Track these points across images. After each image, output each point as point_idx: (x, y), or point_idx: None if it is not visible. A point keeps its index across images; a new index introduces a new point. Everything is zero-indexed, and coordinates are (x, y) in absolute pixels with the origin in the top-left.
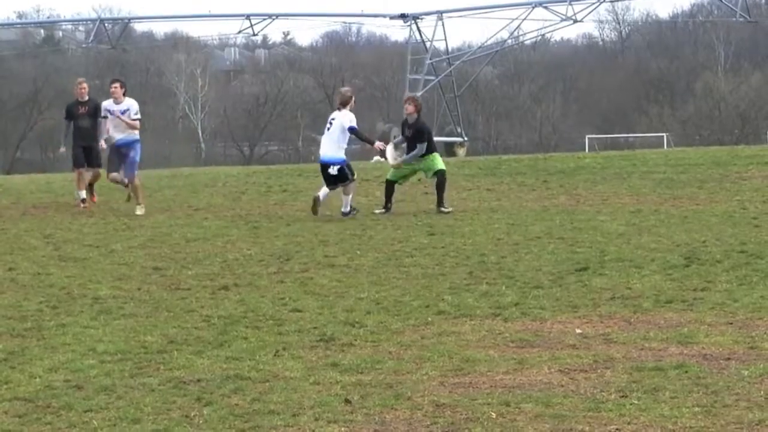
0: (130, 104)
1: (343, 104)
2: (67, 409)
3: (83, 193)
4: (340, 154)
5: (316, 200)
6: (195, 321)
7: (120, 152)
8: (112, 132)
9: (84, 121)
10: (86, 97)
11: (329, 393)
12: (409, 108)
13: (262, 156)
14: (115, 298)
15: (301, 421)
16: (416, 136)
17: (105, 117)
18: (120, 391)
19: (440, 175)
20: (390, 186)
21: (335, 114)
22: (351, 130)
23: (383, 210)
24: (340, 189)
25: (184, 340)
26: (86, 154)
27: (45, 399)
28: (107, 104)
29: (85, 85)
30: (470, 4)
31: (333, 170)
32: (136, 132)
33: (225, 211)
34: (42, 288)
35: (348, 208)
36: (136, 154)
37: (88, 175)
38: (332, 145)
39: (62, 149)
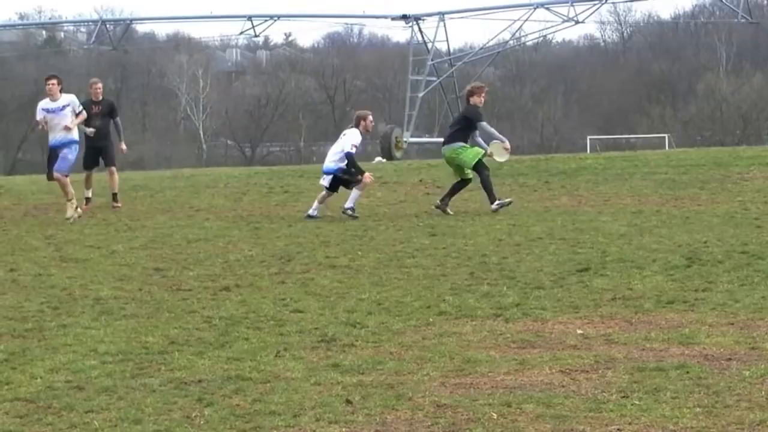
0: (69, 99)
1: (356, 124)
2: (68, 410)
3: (88, 192)
4: (337, 165)
5: (308, 217)
6: (196, 322)
7: (56, 153)
8: (50, 132)
9: (97, 121)
10: (100, 97)
11: (330, 394)
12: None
13: (263, 157)
14: (117, 299)
15: (302, 421)
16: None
17: (44, 122)
18: (121, 392)
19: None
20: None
21: (347, 131)
22: (347, 155)
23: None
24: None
25: (186, 341)
26: (100, 154)
27: (46, 400)
28: (44, 104)
29: (100, 85)
30: (472, 5)
31: (324, 180)
32: (75, 132)
33: (226, 212)
34: (43, 289)
35: (351, 204)
36: (70, 152)
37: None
38: (332, 157)
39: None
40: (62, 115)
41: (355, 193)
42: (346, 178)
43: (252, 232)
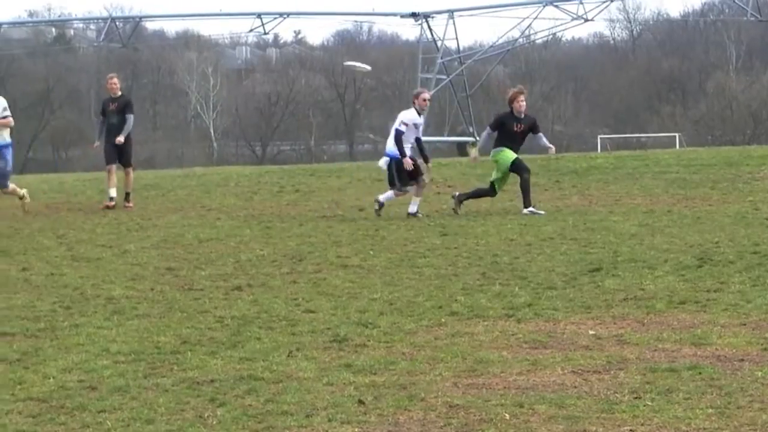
0: None
1: (413, 101)
2: (81, 410)
3: (113, 191)
4: (393, 151)
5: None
6: (208, 321)
7: None
8: None
9: (113, 117)
10: (118, 93)
11: (342, 394)
12: (525, 104)
13: (274, 156)
14: (129, 299)
15: (314, 421)
16: (534, 127)
17: None
18: (134, 392)
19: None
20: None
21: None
22: (394, 132)
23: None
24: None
25: (198, 341)
26: (119, 152)
27: (59, 399)
28: None
29: (115, 80)
30: (481, 3)
31: (382, 162)
32: (6, 134)
33: (237, 212)
34: (55, 288)
35: (382, 200)
36: (6, 163)
37: (121, 173)
38: (389, 138)
39: (95, 144)
40: None
41: (389, 193)
42: (391, 170)
43: (263, 232)
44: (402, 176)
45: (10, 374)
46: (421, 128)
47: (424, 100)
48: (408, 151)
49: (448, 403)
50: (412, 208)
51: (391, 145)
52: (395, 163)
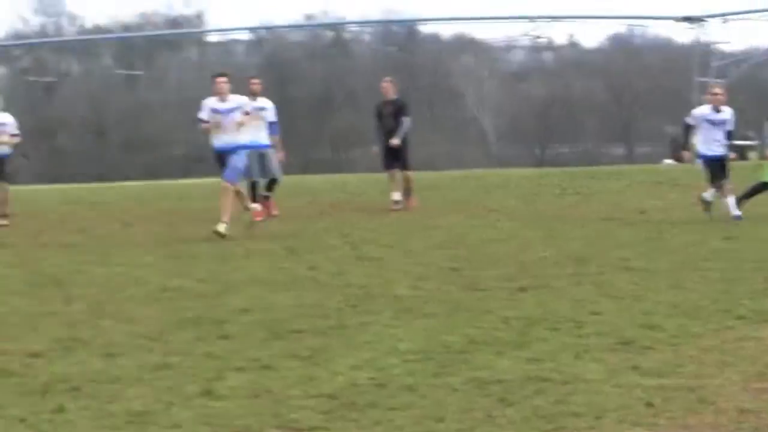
0: (240, 102)
1: None
2: (372, 407)
3: (395, 195)
4: (714, 152)
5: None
6: (494, 322)
7: (223, 159)
8: (216, 135)
9: (387, 121)
10: (391, 96)
11: (631, 396)
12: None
13: (553, 158)
14: (415, 298)
15: (603, 423)
16: None
17: (213, 123)
18: (423, 390)
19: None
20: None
21: None
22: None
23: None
24: None
25: (484, 341)
26: (396, 156)
27: (349, 396)
28: (212, 103)
29: (385, 85)
30: (756, 6)
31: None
32: (243, 136)
33: (518, 213)
34: (341, 287)
35: (736, 213)
36: (239, 159)
37: (401, 175)
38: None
39: (375, 149)
40: (231, 117)
41: (728, 199)
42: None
43: (545, 233)
44: (714, 173)
45: (301, 370)
46: (728, 123)
47: (710, 94)
48: (718, 149)
49: (739, 408)
50: (734, 212)
51: (698, 144)
52: (706, 162)
